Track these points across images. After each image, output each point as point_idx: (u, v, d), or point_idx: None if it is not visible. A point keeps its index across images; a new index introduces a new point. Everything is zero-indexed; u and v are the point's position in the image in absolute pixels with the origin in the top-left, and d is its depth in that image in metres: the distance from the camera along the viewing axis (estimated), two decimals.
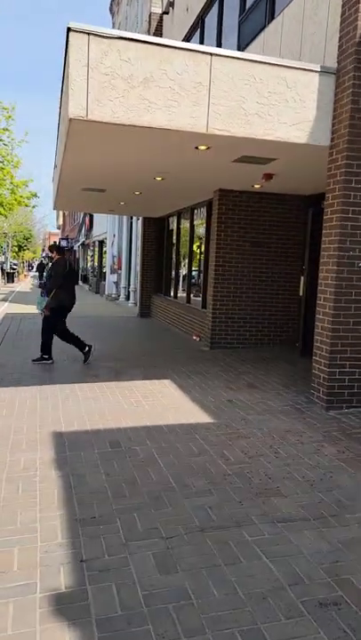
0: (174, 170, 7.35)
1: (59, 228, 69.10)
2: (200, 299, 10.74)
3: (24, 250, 54.14)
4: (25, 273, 54.99)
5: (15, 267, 46.06)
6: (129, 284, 19.86)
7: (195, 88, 5.07)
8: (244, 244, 9.09)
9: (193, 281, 11.74)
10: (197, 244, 11.60)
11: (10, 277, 35.83)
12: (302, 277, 8.51)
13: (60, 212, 62.76)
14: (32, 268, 70.50)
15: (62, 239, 51.04)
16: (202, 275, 10.73)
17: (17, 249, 47.86)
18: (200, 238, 11.59)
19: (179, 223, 12.74)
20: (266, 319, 9.35)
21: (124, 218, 20.35)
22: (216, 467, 4.00)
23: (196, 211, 11.34)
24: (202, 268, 10.95)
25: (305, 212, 9.26)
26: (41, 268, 42.09)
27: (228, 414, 5.39)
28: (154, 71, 4.94)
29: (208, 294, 9.27)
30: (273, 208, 9.13)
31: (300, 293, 8.57)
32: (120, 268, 21.09)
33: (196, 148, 5.87)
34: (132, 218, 19.39)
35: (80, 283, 37.76)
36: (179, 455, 4.22)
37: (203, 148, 5.85)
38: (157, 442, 4.51)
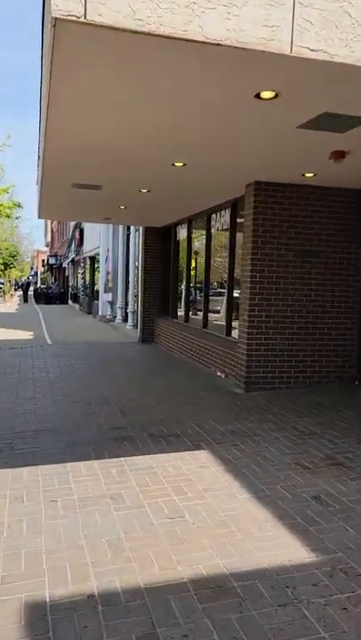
0: (207, 146, 5.21)
1: (47, 246, 66.92)
2: (223, 323, 8.56)
3: (10, 268, 51.82)
4: (11, 292, 52.61)
5: (1, 285, 43.77)
6: (126, 305, 17.66)
7: None
8: (287, 254, 6.95)
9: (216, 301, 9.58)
10: (217, 256, 9.47)
11: None
12: None
13: (49, 228, 60.71)
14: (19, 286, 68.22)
15: (50, 256, 48.92)
16: (225, 294, 8.58)
17: (3, 267, 45.58)
18: (220, 249, 9.46)
19: (190, 232, 10.62)
20: (316, 351, 7.16)
21: (120, 230, 18.23)
22: None
23: (214, 216, 9.22)
24: (224, 286, 8.81)
25: None
26: (27, 286, 40.01)
27: (328, 535, 3.16)
28: None
29: (241, 319, 7.09)
30: (326, 206, 7.01)
31: None
32: (111, 286, 18.91)
33: (258, 96, 3.73)
34: (128, 229, 17.27)
35: (70, 302, 35.52)
36: None
37: (268, 95, 3.70)
38: (237, 636, 2.26)
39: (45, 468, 4.22)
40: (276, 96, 3.71)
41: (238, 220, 8.28)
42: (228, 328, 8.40)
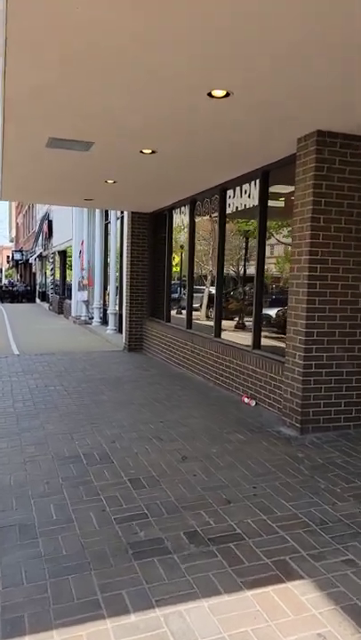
0: (272, 63, 3.12)
1: (12, 241, 63.47)
2: (250, 334, 6.48)
3: None
4: None
5: None
6: (105, 304, 15.41)
7: None
8: None
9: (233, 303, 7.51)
10: (232, 245, 7.41)
11: None
12: None
13: (14, 222, 57.52)
14: None
15: (16, 251, 45.94)
16: (250, 295, 6.50)
17: None
18: (236, 236, 7.41)
19: (193, 215, 8.50)
20: None
21: (97, 218, 15.94)
22: None
23: (230, 192, 7.14)
24: (237, 282, 6.76)
25: None
26: None
27: None
28: None
29: (293, 330, 5.01)
30: None
31: None
32: (91, 285, 16.61)
33: None
34: (107, 217, 15.02)
35: (38, 300, 32.89)
36: None
37: None
38: None
39: None
40: None
41: (271, 197, 6.23)
42: (257, 339, 6.33)
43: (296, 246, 4.94)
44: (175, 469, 4.08)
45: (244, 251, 7.36)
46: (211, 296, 8.45)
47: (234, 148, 5.33)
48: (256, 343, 6.33)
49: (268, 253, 6.34)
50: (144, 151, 5.60)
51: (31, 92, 3.88)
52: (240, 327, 7.35)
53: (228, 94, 3.83)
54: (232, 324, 7.49)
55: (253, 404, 6.06)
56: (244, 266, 7.37)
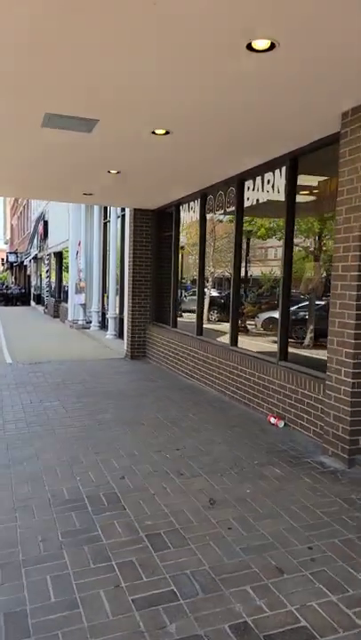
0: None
1: (6, 243, 62.44)
2: (276, 343, 5.67)
3: None
4: None
5: None
6: (103, 308, 14.57)
7: None
8: None
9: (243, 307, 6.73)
10: (258, 241, 6.62)
11: None
12: None
13: (8, 224, 56.61)
14: None
15: (10, 253, 45.02)
16: (280, 298, 5.70)
17: None
18: (266, 231, 6.62)
19: (203, 210, 7.69)
20: None
21: (95, 217, 15.09)
22: None
23: (249, 183, 6.35)
24: (246, 284, 5.98)
25: None
26: None
27: None
28: None
29: (337, 342, 4.19)
30: None
31: None
32: (84, 287, 15.77)
33: None
34: (106, 216, 14.19)
35: (33, 304, 31.98)
36: None
37: None
38: None
39: None
40: None
41: (302, 188, 5.44)
42: (283, 349, 5.53)
43: (341, 241, 4.13)
44: (203, 519, 3.26)
45: (246, 251, 6.62)
46: (212, 299, 7.84)
47: (265, 126, 4.51)
48: (282, 354, 5.53)
49: (271, 255, 5.65)
50: (156, 132, 4.79)
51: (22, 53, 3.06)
52: (243, 331, 6.64)
53: (272, 46, 3.02)
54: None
55: (282, 424, 5.25)
56: (246, 267, 6.68)
